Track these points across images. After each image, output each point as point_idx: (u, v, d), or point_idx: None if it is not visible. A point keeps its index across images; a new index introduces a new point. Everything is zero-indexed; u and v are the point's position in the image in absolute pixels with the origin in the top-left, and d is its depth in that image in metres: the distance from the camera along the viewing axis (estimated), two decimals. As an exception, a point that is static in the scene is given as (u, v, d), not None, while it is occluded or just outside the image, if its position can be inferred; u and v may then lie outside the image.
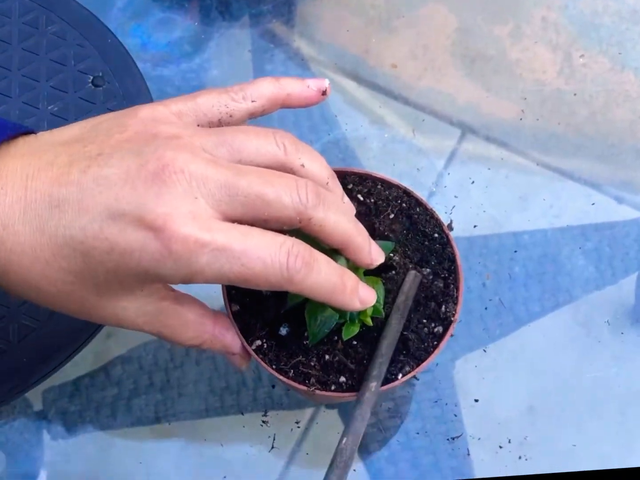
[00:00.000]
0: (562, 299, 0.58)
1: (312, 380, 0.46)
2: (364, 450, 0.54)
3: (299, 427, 0.55)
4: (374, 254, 0.44)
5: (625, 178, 0.64)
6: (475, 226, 0.60)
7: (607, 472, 0.54)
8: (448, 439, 0.54)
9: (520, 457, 0.54)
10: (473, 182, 0.61)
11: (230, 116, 0.42)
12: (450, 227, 0.58)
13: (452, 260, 0.49)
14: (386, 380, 0.46)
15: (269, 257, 0.37)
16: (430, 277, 0.49)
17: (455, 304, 0.48)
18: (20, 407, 0.55)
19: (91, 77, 0.59)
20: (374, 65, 0.67)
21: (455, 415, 0.55)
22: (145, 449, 0.55)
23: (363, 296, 0.42)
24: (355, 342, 0.47)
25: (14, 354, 0.53)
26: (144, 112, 0.40)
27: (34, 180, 0.37)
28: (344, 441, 0.43)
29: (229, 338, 0.45)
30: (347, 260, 0.44)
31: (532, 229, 0.61)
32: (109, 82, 0.59)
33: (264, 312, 0.47)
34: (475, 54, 0.67)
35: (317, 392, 0.45)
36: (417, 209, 0.50)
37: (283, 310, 0.47)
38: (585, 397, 0.56)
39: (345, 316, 0.45)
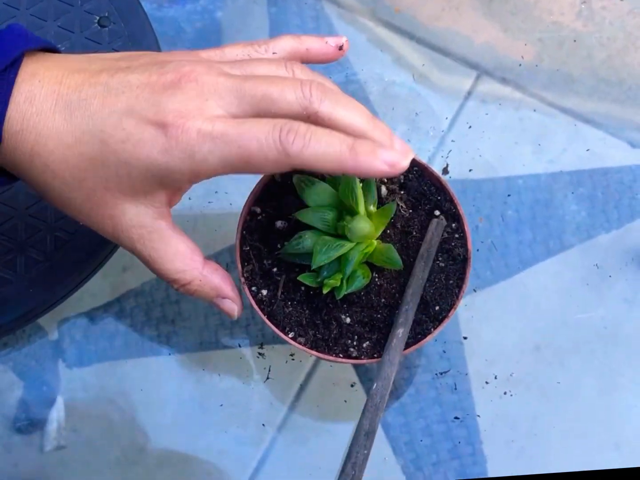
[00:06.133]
0: (554, 243, 0.59)
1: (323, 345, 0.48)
2: (368, 381, 0.57)
3: (293, 359, 0.56)
4: (399, 147, 0.41)
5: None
6: (470, 170, 0.61)
7: (607, 472, 0.55)
8: (436, 374, 0.56)
9: (505, 393, 0.56)
10: (469, 126, 0.62)
11: None
12: (445, 171, 0.60)
13: (452, 202, 0.50)
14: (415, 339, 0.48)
15: (263, 135, 0.40)
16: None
17: (466, 250, 0.49)
18: (36, 336, 0.57)
19: (97, 18, 0.60)
20: (391, 4, 0.66)
21: (444, 352, 0.57)
22: (151, 378, 0.57)
23: (390, 158, 0.40)
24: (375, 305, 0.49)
25: (20, 284, 0.55)
26: (176, 53, 0.44)
27: (67, 78, 0.42)
28: (374, 386, 0.46)
29: (217, 279, 0.47)
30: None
31: (536, 173, 0.61)
32: (114, 23, 0.60)
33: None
34: (493, -7, 0.66)
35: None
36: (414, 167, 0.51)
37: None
38: (571, 338, 0.57)
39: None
